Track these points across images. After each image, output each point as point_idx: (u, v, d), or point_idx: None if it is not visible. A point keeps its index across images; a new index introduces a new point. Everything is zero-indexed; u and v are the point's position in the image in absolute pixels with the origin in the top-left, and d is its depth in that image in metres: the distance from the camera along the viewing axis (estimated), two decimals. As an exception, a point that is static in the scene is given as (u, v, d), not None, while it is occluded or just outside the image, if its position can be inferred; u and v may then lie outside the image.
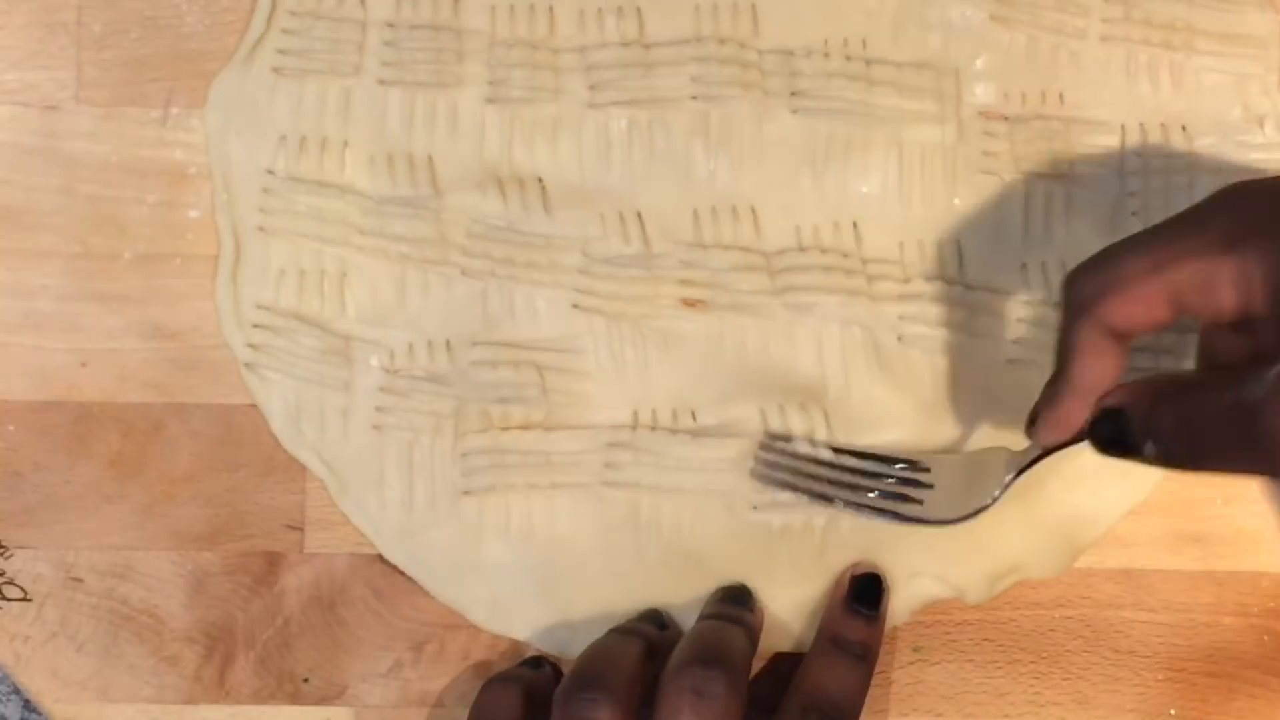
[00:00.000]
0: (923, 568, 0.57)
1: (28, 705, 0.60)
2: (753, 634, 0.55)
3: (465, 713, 0.56)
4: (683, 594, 0.57)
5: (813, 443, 0.57)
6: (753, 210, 0.58)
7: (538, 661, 0.57)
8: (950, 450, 0.57)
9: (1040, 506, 0.57)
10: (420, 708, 0.59)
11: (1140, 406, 0.44)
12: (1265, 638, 0.58)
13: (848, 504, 0.55)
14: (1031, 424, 0.50)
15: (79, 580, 0.59)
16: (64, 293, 0.59)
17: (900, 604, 0.57)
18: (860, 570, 0.56)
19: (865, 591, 0.56)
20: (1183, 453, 0.43)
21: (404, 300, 0.58)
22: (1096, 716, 0.58)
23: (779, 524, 0.57)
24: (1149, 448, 0.44)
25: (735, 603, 0.56)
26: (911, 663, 0.58)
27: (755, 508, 0.57)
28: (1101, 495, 0.57)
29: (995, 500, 0.53)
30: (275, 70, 0.58)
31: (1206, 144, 0.58)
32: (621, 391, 0.58)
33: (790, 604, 0.57)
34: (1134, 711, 0.58)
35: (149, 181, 0.59)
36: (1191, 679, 0.58)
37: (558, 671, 0.57)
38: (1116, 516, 0.58)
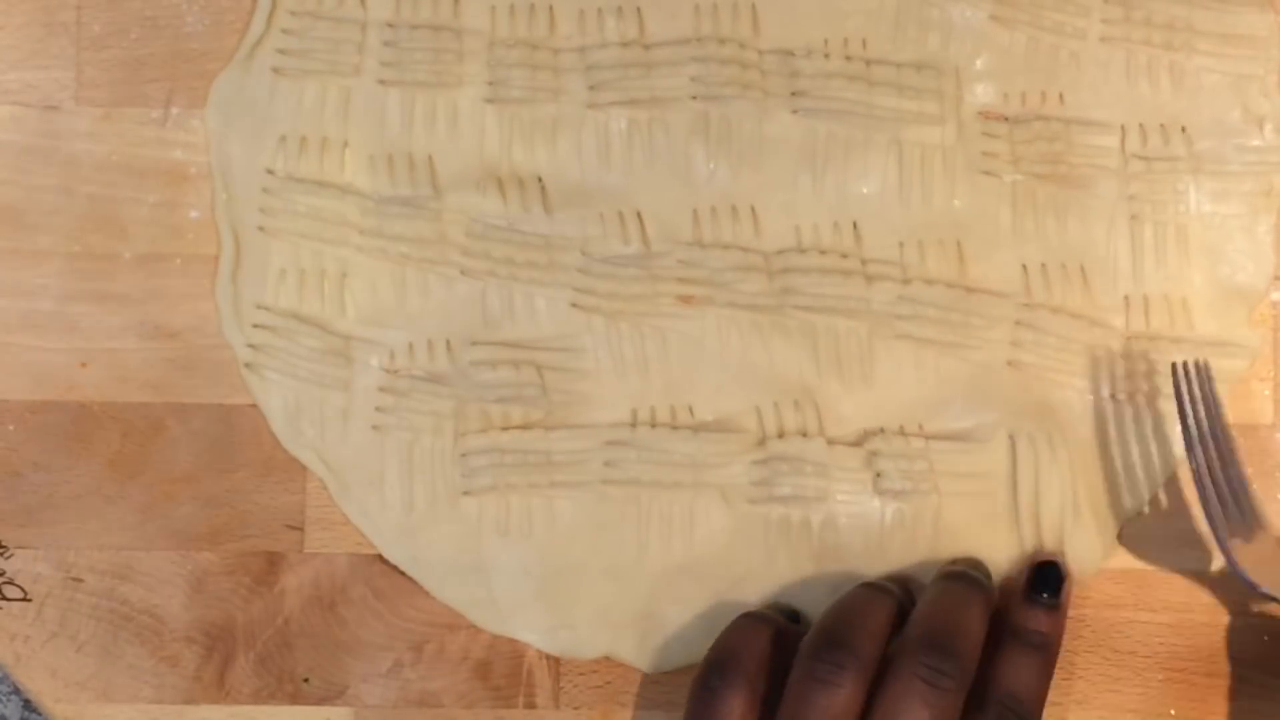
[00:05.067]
0: (925, 580, 0.57)
1: (28, 705, 0.60)
2: (989, 605, 0.54)
3: (465, 713, 0.57)
4: (684, 593, 0.58)
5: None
6: (752, 210, 0.58)
7: (795, 615, 0.57)
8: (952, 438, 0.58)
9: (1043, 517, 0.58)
10: (420, 708, 0.59)
11: None
12: (1265, 638, 0.58)
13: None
14: None
15: (79, 580, 0.59)
16: (64, 293, 0.59)
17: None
18: (1040, 558, 0.56)
19: (1046, 579, 0.55)
20: None
21: (404, 300, 0.58)
22: (1096, 716, 0.58)
23: (776, 517, 0.58)
24: None
25: (976, 569, 0.56)
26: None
27: (752, 501, 0.57)
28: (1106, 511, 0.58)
29: None
30: (275, 70, 0.59)
31: (1206, 146, 0.58)
32: (621, 390, 0.58)
33: (789, 613, 0.58)
34: (1134, 712, 0.58)
35: (149, 181, 0.59)
36: (1191, 679, 0.58)
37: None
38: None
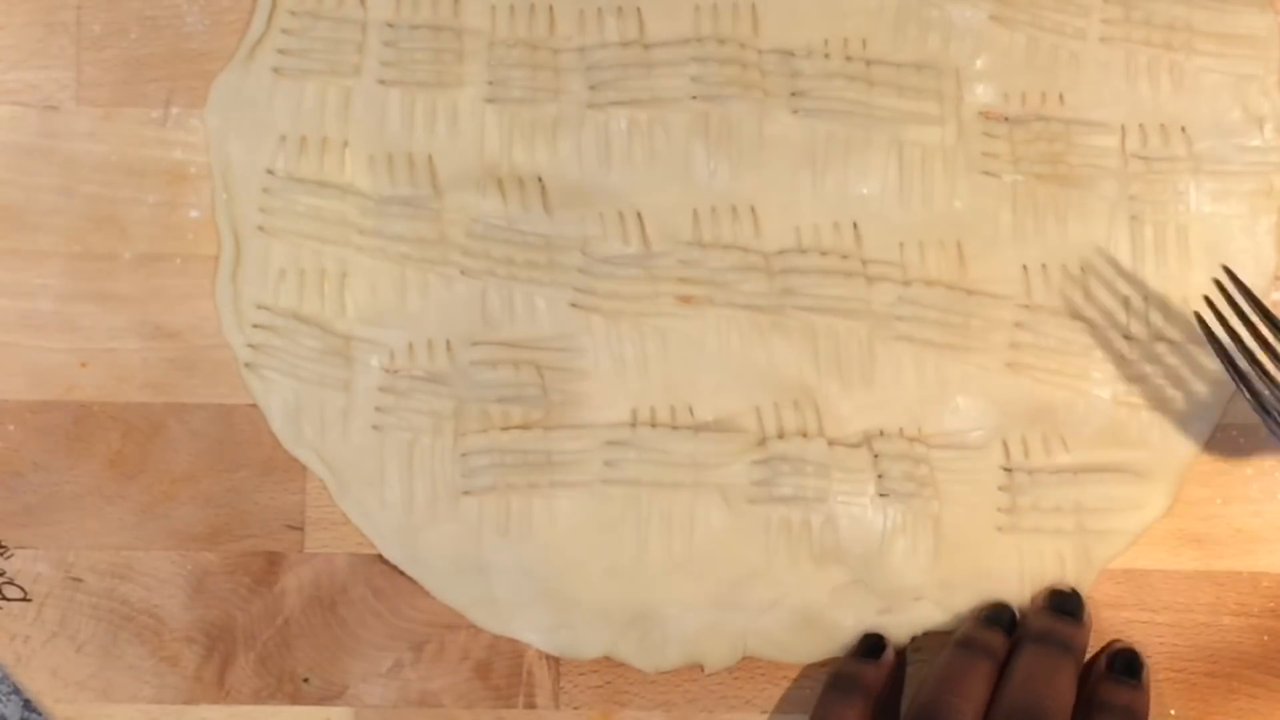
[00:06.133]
0: (925, 591, 0.58)
1: (28, 705, 0.60)
2: (1080, 657, 0.55)
3: (465, 713, 0.57)
4: (683, 593, 0.58)
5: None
6: (752, 210, 0.58)
7: (875, 645, 0.57)
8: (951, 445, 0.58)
9: (1044, 535, 0.58)
10: (420, 708, 0.59)
11: None
12: (1265, 638, 0.58)
13: None
14: None
15: (79, 580, 0.59)
16: (64, 293, 0.60)
17: (902, 628, 0.58)
18: (1118, 646, 0.57)
19: (1127, 665, 0.56)
20: None
21: (404, 300, 0.59)
22: (1096, 716, 0.58)
23: (776, 518, 0.58)
24: None
25: (1063, 613, 0.56)
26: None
27: (752, 501, 0.58)
28: (1111, 522, 0.58)
29: None
30: (275, 70, 0.59)
31: (1207, 146, 0.58)
32: (621, 390, 0.58)
33: (789, 614, 0.58)
34: (1133, 712, 0.58)
35: (149, 181, 0.60)
36: (1191, 679, 0.58)
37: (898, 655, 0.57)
38: (1121, 548, 0.58)
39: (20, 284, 0.60)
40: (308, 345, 0.59)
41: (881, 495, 0.57)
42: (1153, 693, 0.58)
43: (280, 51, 0.59)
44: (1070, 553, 0.58)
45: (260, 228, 0.59)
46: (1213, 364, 0.57)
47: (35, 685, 0.59)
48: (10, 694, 0.61)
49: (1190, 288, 0.58)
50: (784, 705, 0.59)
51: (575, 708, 0.59)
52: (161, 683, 0.59)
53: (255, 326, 0.59)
